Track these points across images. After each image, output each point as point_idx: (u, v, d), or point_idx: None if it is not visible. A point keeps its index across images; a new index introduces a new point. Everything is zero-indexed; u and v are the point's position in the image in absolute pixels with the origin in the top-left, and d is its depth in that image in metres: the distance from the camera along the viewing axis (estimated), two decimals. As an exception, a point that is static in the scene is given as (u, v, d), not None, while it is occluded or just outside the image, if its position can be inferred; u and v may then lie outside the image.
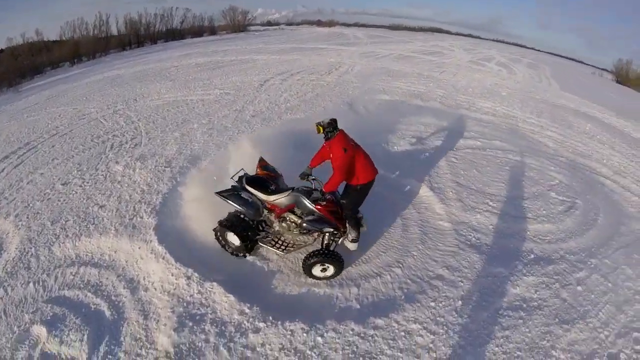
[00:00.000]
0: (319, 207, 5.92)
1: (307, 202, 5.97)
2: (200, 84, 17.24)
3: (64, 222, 7.51)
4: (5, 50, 36.44)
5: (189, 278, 5.92)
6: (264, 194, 6.12)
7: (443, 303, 5.67)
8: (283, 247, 6.27)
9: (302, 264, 5.99)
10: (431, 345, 5.08)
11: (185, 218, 7.27)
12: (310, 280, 6.04)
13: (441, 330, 5.26)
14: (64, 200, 8.30)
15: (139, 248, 6.63)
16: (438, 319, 5.43)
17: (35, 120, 14.28)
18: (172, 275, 6.00)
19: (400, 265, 6.33)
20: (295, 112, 13.01)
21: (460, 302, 5.69)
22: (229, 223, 6.19)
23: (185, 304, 5.57)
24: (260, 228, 6.45)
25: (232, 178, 6.45)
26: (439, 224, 7.48)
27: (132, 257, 6.52)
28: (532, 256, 6.83)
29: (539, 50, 57.62)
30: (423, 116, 13.06)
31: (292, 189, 6.16)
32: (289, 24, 58.51)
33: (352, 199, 6.14)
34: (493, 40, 61.02)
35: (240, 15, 52.64)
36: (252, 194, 6.17)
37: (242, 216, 6.26)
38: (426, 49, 30.33)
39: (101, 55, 35.23)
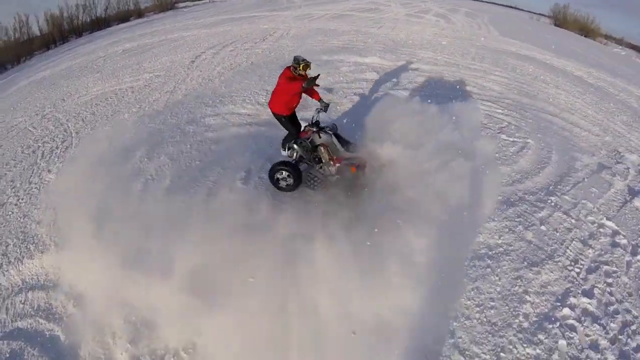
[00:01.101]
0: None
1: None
2: (128, 70, 15.97)
3: (4, 248, 6.83)
4: None
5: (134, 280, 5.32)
6: None
7: (405, 264, 5.23)
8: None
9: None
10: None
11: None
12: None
13: (407, 293, 4.84)
14: (2, 223, 7.54)
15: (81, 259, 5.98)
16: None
17: (-38, 144, 13.07)
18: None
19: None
20: (230, 84, 12.16)
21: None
22: None
23: (136, 311, 5.07)
24: None
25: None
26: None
27: (76, 270, 5.89)
28: (489, 202, 6.43)
29: (476, 0, 57.68)
30: (363, 72, 12.49)
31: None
32: (220, -5, 55.98)
33: None
34: (431, -8, 60.40)
35: (167, -7, 50.11)
36: None
37: None
38: (362, 7, 29.48)
39: (26, 59, 32.75)
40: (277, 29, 20.23)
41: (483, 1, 56.29)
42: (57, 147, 9.88)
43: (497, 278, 5.12)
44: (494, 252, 5.50)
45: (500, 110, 10.07)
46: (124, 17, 43.76)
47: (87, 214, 6.74)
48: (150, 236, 5.96)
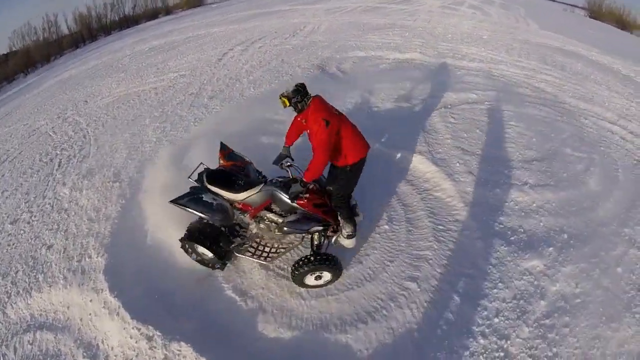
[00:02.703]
0: (300, 202, 4.73)
1: (284, 198, 4.78)
2: (153, 70, 15.57)
3: (14, 275, 6.31)
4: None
5: (150, 339, 4.62)
6: (230, 192, 4.94)
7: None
8: (265, 255, 5.08)
9: (291, 275, 4.82)
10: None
11: (141, 247, 5.97)
12: (308, 323, 4.72)
13: None
14: (14, 244, 7.04)
15: (91, 301, 5.35)
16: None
17: (-14, 146, 13.06)
18: (131, 337, 4.72)
19: (416, 280, 5.02)
20: (259, 85, 11.44)
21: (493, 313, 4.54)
22: (195, 234, 4.96)
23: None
24: (235, 233, 5.16)
25: (189, 177, 5.23)
26: (450, 206, 6.17)
27: (86, 313, 5.27)
28: (565, 236, 5.64)
29: (507, -9, 56.12)
30: (405, 70, 11.60)
31: (265, 181, 5.09)
32: (248, -10, 56.07)
33: (341, 183, 4.81)
34: (459, -16, 59.20)
35: (195, -12, 50.17)
36: (216, 194, 4.99)
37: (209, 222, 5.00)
38: (394, -1, 28.65)
39: (55, 58, 34.06)
40: (308, 24, 19.50)
41: (514, -9, 54.95)
42: (74, 156, 9.43)
43: (575, 340, 4.33)
44: (570, 305, 4.69)
45: (559, 117, 9.12)
46: (152, 15, 45.00)
47: (100, 244, 6.20)
48: (169, 280, 5.35)
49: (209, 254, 5.04)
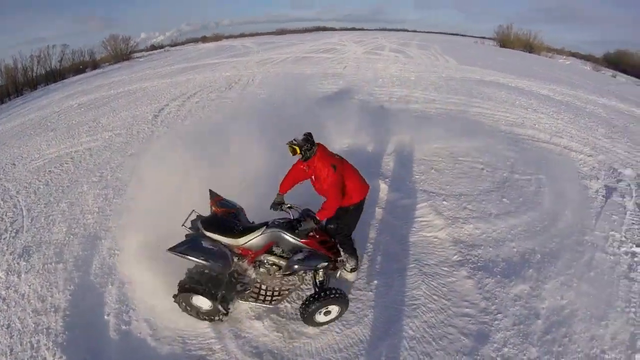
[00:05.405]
0: (306, 240, 4.80)
1: (290, 238, 4.79)
2: (85, 128, 14.46)
3: None
4: None
5: None
6: (230, 237, 4.76)
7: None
8: (270, 298, 4.99)
9: (301, 315, 4.76)
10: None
11: (104, 342, 5.02)
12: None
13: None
14: None
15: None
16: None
17: None
18: None
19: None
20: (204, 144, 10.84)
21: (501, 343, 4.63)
22: (192, 284, 4.65)
23: None
24: (234, 280, 4.90)
25: (183, 225, 4.89)
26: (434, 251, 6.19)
27: None
28: (538, 256, 5.98)
29: (420, 32, 59.92)
30: (345, 121, 10.90)
31: (266, 224, 4.90)
32: (174, 44, 56.14)
33: (346, 222, 5.10)
34: (376, 29, 62.72)
35: (122, 43, 49.56)
36: (214, 240, 4.72)
37: (206, 271, 4.70)
38: (319, 48, 29.81)
39: None
40: (242, 76, 19.70)
41: (427, 32, 58.98)
42: (5, 230, 7.94)
43: (576, 346, 4.57)
44: (562, 316, 4.96)
45: (500, 146, 9.76)
46: (79, 69, 43.60)
47: (54, 343, 5.03)
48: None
49: (207, 303, 4.73)
